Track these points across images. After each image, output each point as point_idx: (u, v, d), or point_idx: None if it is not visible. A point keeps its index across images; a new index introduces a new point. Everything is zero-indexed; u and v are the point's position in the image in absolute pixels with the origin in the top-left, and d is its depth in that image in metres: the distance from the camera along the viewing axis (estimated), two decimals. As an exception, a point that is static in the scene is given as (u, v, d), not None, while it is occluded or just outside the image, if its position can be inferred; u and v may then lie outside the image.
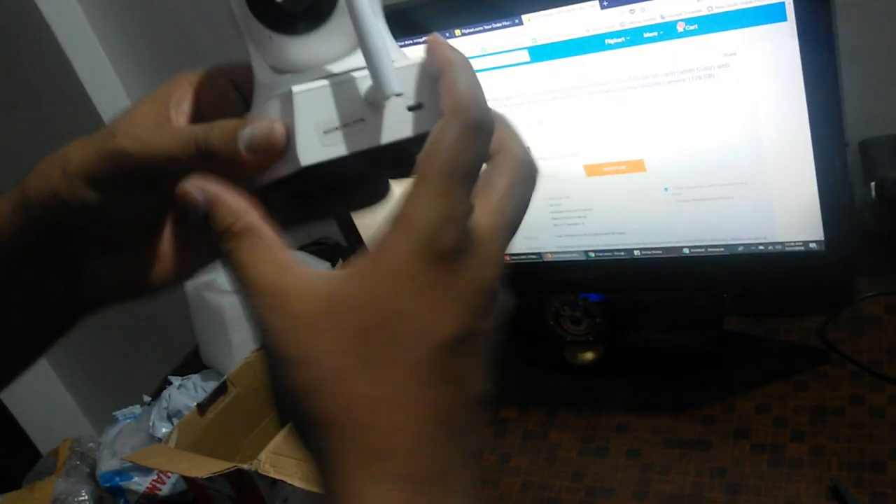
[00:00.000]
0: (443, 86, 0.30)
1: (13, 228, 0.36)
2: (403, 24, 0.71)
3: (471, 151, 0.29)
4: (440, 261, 0.28)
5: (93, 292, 0.39)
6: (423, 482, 0.28)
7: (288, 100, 0.32)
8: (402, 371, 0.28)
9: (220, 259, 0.31)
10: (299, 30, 0.33)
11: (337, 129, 0.33)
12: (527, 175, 0.32)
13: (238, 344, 0.99)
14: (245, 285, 0.29)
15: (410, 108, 0.33)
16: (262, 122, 0.32)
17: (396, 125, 0.33)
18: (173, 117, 0.35)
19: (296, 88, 0.32)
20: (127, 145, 0.33)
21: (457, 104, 0.29)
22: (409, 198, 0.28)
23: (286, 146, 0.32)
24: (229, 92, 0.37)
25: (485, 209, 0.30)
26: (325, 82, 0.33)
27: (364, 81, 0.33)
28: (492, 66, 0.71)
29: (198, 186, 0.31)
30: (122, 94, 1.32)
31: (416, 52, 0.34)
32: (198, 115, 0.37)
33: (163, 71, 1.28)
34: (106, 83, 1.30)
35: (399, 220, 0.28)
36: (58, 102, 1.32)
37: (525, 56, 0.69)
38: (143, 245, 0.38)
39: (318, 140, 0.32)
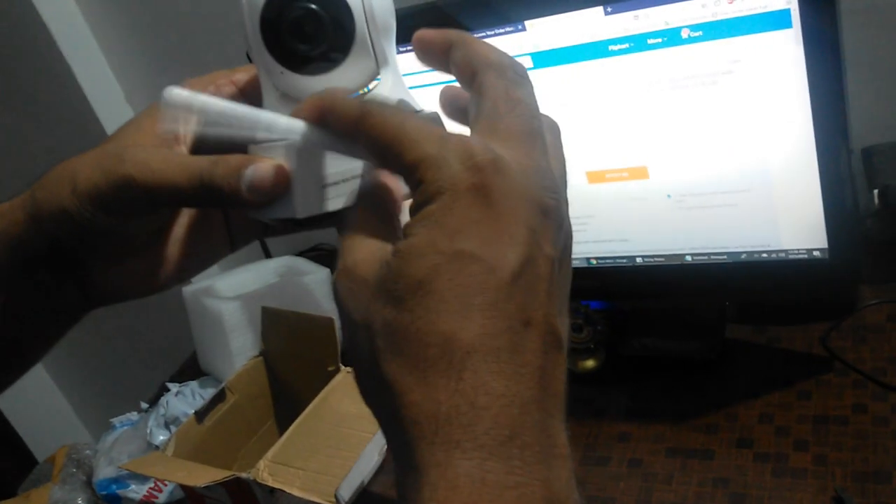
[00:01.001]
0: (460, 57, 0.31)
1: (25, 236, 0.36)
2: (404, 31, 0.70)
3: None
4: (478, 194, 0.27)
5: (98, 293, 0.40)
6: (495, 444, 0.25)
7: (293, 149, 0.32)
8: (476, 318, 0.26)
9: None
10: (311, 70, 0.34)
11: (337, 183, 0.33)
12: (515, 78, 0.31)
13: (237, 351, 0.98)
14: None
15: None
16: (265, 167, 0.32)
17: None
18: (181, 136, 0.36)
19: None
20: (135, 173, 0.33)
21: (489, 62, 0.31)
22: (432, 141, 0.28)
23: (287, 191, 0.33)
24: (236, 98, 0.37)
25: (496, 130, 0.29)
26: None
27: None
28: (494, 72, 0.71)
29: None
30: (120, 96, 1.32)
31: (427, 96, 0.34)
32: None
33: (162, 73, 1.28)
34: (104, 85, 1.30)
35: (427, 177, 0.27)
36: (55, 104, 1.31)
37: (528, 62, 0.69)
38: (148, 251, 0.39)
39: (316, 193, 0.33)
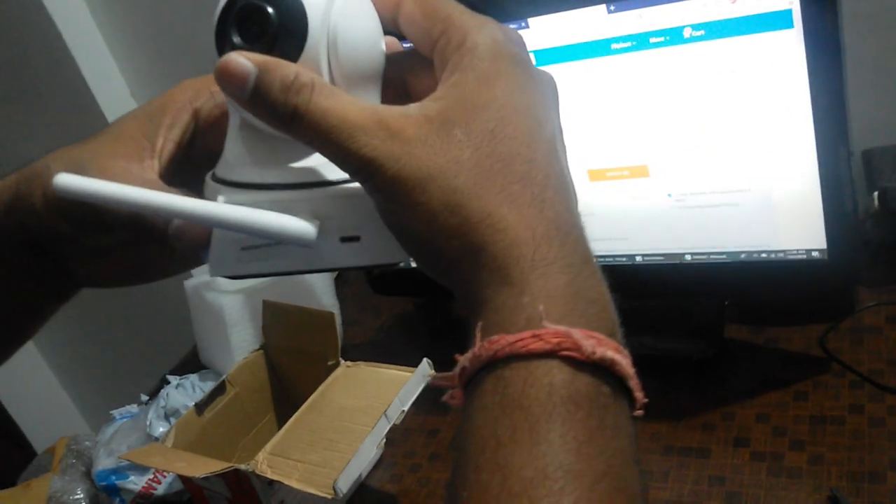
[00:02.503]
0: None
1: (6, 221, 0.37)
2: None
3: None
4: (520, 65, 0.31)
5: (83, 281, 0.40)
6: (579, 263, 0.29)
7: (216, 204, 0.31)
8: (533, 164, 0.29)
9: (289, 120, 0.29)
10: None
11: (257, 247, 0.32)
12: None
13: (237, 344, 0.99)
14: (337, 130, 0.29)
15: (344, 240, 0.32)
16: (185, 213, 0.32)
17: (327, 255, 0.32)
18: (160, 145, 0.36)
19: (221, 199, 0.31)
20: None
21: None
22: (457, 32, 0.30)
23: (207, 246, 0.32)
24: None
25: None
26: (255, 197, 0.31)
27: (296, 205, 0.31)
28: (497, 69, 0.71)
29: (242, 57, 0.30)
30: (126, 93, 1.32)
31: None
32: (194, 132, 0.37)
33: (167, 70, 1.28)
34: (109, 82, 1.30)
35: (463, 46, 0.30)
36: (62, 100, 1.32)
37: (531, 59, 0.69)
38: (129, 249, 0.38)
39: (234, 254, 0.32)
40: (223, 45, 0.31)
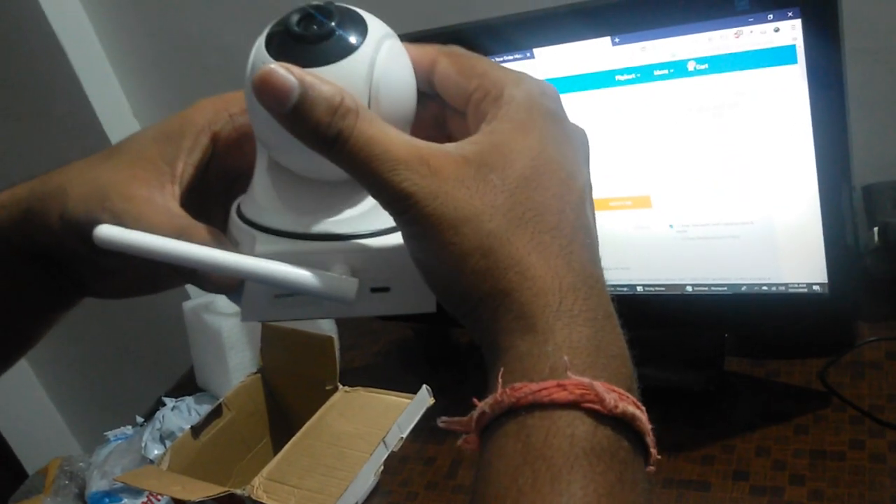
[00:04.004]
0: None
1: (17, 235, 0.37)
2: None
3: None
4: (555, 119, 0.31)
5: (90, 292, 0.40)
6: (602, 318, 0.29)
7: (254, 251, 0.31)
8: (563, 216, 0.30)
9: (331, 144, 0.29)
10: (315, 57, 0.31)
11: (290, 296, 0.32)
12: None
13: (235, 367, 0.98)
14: (379, 161, 0.29)
15: (374, 290, 0.32)
16: (225, 269, 0.32)
17: (356, 304, 0.32)
18: (180, 170, 0.35)
19: (259, 249, 0.31)
20: (115, 224, 0.33)
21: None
22: (494, 86, 0.31)
23: (240, 289, 0.32)
24: (248, 128, 0.36)
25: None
26: (290, 247, 0.31)
27: (330, 256, 0.31)
28: (502, 98, 0.72)
29: (286, 69, 0.29)
30: (128, 111, 1.33)
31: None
32: (213, 154, 0.37)
33: (169, 88, 1.29)
34: (112, 99, 1.31)
35: (500, 99, 0.31)
36: (64, 116, 1.32)
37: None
38: (148, 267, 0.37)
39: (266, 301, 0.32)
40: (277, 45, 0.31)
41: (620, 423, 0.28)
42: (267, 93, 0.29)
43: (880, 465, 0.69)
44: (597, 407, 0.27)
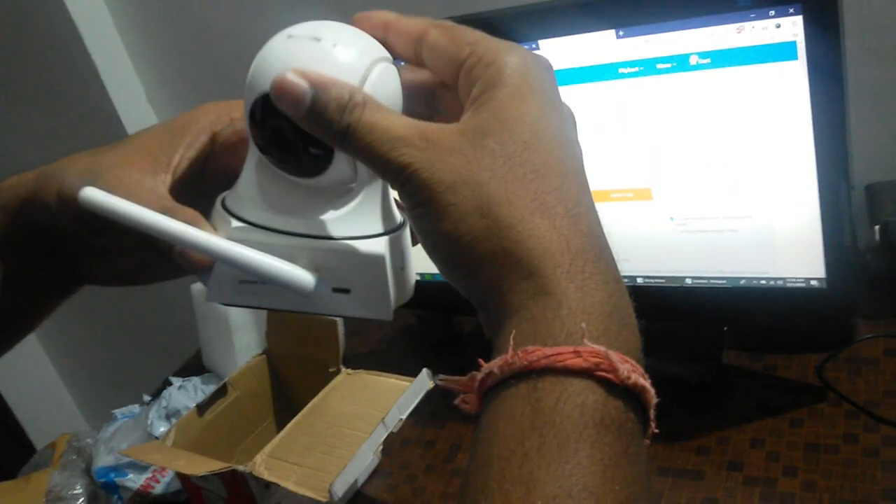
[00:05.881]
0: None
1: (23, 217, 0.38)
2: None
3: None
4: (550, 87, 0.31)
5: (88, 278, 0.41)
6: (613, 282, 0.29)
7: (228, 236, 0.33)
8: (565, 179, 0.30)
9: (342, 137, 0.31)
10: (289, 171, 0.33)
11: (255, 283, 0.33)
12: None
13: (241, 349, 1.00)
14: (381, 142, 0.30)
15: (335, 290, 0.33)
16: (196, 246, 0.33)
17: (317, 301, 0.33)
18: (176, 162, 0.37)
19: (232, 234, 0.33)
20: None
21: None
22: (487, 54, 0.31)
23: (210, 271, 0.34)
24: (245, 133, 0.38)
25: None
26: (260, 238, 0.33)
27: (297, 252, 0.33)
28: (507, 88, 0.73)
29: (299, 75, 0.31)
30: (142, 97, 1.34)
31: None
32: (210, 153, 0.38)
33: (183, 76, 1.30)
34: (127, 85, 1.32)
35: (494, 65, 0.31)
36: (79, 103, 1.34)
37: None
38: (137, 251, 0.39)
39: (232, 286, 0.34)
40: (267, 150, 0.33)
41: (629, 394, 0.28)
42: (284, 97, 0.31)
43: (873, 459, 0.69)
44: (609, 376, 0.27)
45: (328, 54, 0.31)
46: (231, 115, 0.38)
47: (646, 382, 0.28)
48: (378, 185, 0.34)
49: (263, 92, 0.31)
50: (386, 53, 0.33)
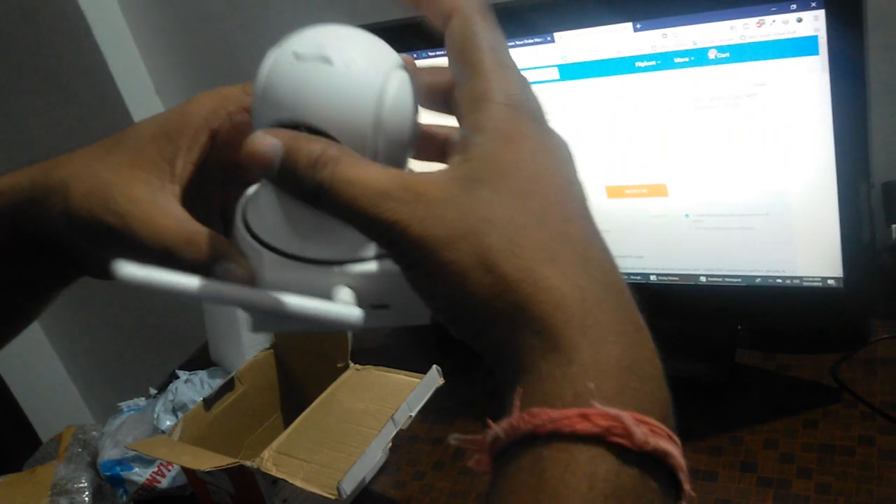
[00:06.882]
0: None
1: (17, 221, 0.37)
2: (433, 39, 0.71)
3: (496, 30, 0.30)
4: (536, 122, 0.29)
5: (88, 273, 0.40)
6: (632, 331, 0.27)
7: (261, 268, 0.32)
8: (571, 224, 0.28)
9: (315, 196, 0.29)
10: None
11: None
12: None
13: (248, 343, 0.99)
14: (361, 199, 0.28)
15: (375, 307, 0.32)
16: (237, 268, 0.32)
17: (360, 319, 0.32)
18: (179, 169, 0.35)
19: (269, 277, 0.32)
20: (113, 224, 0.33)
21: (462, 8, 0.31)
22: (480, 81, 0.29)
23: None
24: (246, 126, 0.36)
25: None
26: (300, 275, 0.32)
27: (337, 281, 0.32)
28: (521, 81, 0.72)
29: (268, 137, 0.29)
30: (150, 88, 1.34)
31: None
32: (211, 150, 0.37)
33: (191, 67, 1.30)
34: (135, 77, 1.32)
35: (481, 101, 0.29)
36: (87, 91, 1.34)
37: (555, 73, 0.70)
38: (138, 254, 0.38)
39: (275, 317, 0.32)
40: None
41: (650, 460, 0.25)
42: (253, 161, 0.29)
43: (890, 462, 0.68)
44: (624, 442, 0.24)
45: (344, 78, 0.30)
46: (227, 109, 0.37)
47: (669, 445, 0.25)
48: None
49: (279, 121, 0.30)
50: (395, 57, 0.32)
